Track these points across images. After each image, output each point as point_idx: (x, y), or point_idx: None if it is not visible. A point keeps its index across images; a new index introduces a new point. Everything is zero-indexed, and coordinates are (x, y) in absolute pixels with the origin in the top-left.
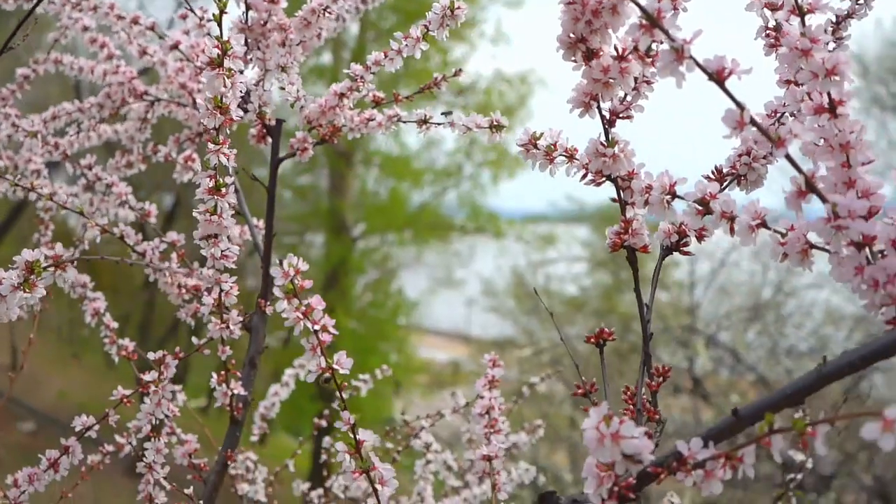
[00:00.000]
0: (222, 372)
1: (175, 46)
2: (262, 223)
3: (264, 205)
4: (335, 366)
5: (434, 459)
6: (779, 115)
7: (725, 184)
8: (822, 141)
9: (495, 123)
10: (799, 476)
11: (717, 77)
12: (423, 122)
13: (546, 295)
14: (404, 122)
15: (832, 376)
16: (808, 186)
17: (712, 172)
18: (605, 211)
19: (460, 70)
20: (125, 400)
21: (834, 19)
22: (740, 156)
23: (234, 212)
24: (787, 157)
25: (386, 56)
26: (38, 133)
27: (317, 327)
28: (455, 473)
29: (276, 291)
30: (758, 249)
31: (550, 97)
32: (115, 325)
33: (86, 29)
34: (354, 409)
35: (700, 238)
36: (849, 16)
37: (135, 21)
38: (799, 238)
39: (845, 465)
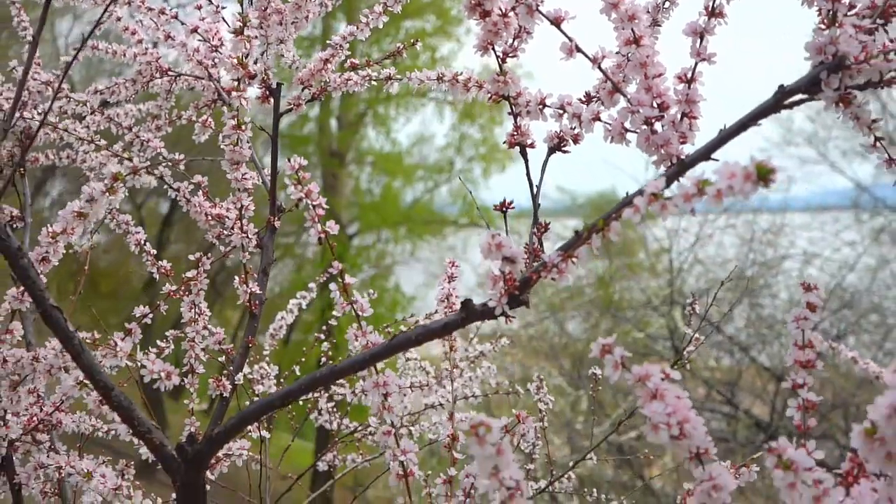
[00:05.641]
0: (243, 275)
1: (194, 30)
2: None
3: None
4: (327, 229)
5: (412, 357)
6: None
7: (593, 102)
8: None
9: (440, 76)
10: (694, 345)
11: (556, 21)
12: (389, 78)
13: (540, 285)
14: (375, 81)
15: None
16: (615, 88)
17: (584, 95)
18: (595, 202)
19: (416, 40)
20: (171, 293)
21: None
22: (601, 83)
23: (247, 158)
24: (599, 68)
25: (358, 27)
26: (87, 102)
27: (315, 203)
28: (430, 376)
29: (286, 180)
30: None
31: (539, 88)
32: (154, 251)
33: (119, 19)
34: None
35: (575, 141)
36: None
37: (161, 12)
38: (618, 124)
39: (820, 427)
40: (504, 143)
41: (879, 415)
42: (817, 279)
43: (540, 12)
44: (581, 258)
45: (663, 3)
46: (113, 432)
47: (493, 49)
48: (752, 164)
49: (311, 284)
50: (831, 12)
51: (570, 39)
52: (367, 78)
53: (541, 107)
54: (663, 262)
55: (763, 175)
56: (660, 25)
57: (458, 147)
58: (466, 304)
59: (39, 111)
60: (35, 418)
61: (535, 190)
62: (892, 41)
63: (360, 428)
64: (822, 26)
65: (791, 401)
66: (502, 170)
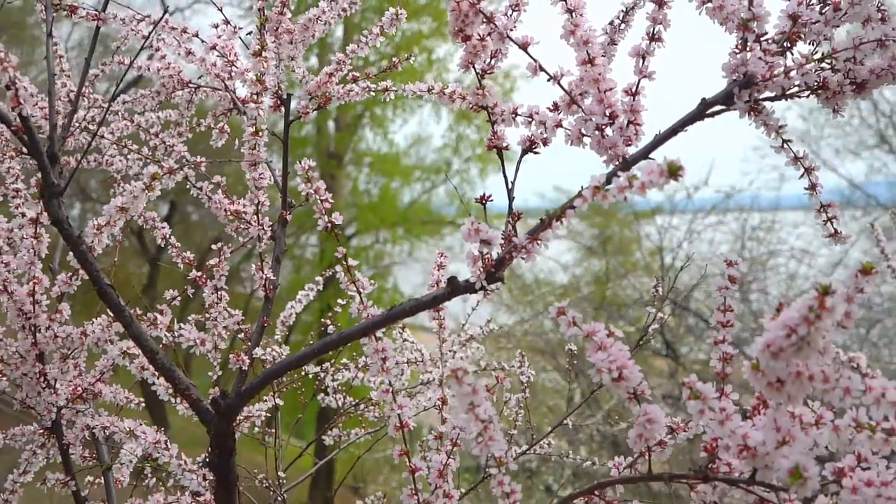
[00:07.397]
0: (258, 263)
1: (213, 47)
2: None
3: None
4: (333, 219)
5: (408, 338)
6: None
7: (559, 112)
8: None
9: (430, 88)
10: (654, 328)
11: (523, 46)
12: (386, 90)
13: (536, 284)
14: (373, 92)
15: None
16: (572, 100)
17: (552, 104)
18: None
19: (410, 55)
20: (198, 279)
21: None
22: (563, 95)
23: (264, 160)
24: (559, 84)
25: (358, 46)
26: (119, 111)
27: (322, 198)
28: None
29: (298, 179)
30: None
31: (534, 91)
32: (178, 244)
33: (145, 38)
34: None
35: (545, 144)
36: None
37: (184, 30)
38: (576, 130)
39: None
40: (485, 143)
41: (758, 351)
42: (807, 275)
43: (510, 38)
44: (544, 239)
45: (619, 25)
46: (142, 405)
47: (474, 67)
48: (665, 162)
49: (318, 278)
50: (742, 39)
51: (535, 60)
52: (367, 89)
53: (513, 115)
54: (658, 260)
55: (673, 171)
56: (616, 44)
57: (455, 148)
58: (451, 280)
59: (75, 120)
60: (79, 388)
61: (510, 185)
62: (794, 61)
63: (362, 402)
64: (736, 50)
65: (713, 353)
66: (499, 170)
